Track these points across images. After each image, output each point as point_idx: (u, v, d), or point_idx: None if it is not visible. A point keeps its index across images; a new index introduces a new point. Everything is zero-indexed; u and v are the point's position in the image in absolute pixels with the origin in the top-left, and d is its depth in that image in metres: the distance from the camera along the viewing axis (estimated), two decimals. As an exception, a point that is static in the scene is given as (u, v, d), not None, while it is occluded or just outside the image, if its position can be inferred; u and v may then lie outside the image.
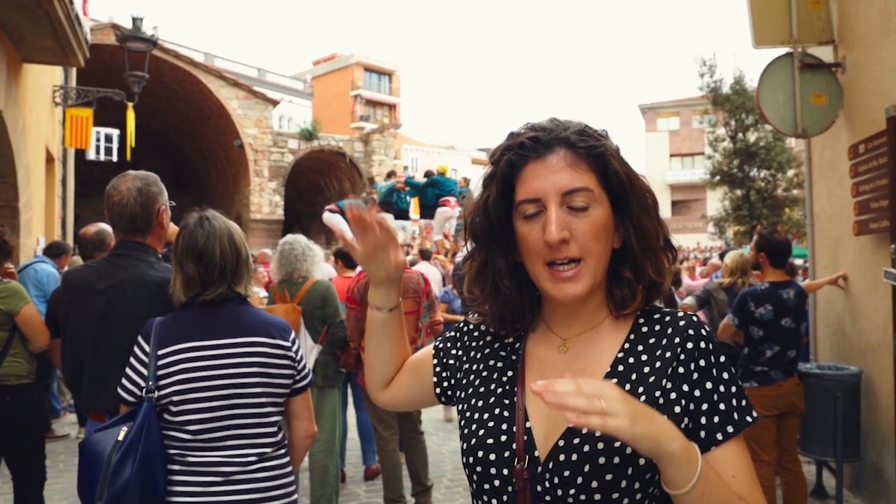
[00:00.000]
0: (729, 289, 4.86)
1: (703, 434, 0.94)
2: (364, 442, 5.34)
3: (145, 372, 1.88)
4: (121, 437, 1.75)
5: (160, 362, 1.87)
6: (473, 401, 1.08)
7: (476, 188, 1.10)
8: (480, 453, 1.00)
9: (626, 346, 1.02)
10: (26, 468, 3.64)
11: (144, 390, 1.84)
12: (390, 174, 14.07)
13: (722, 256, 6.80)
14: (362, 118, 43.34)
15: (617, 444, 0.91)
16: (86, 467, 1.76)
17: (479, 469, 1.00)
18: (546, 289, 1.00)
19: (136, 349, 1.92)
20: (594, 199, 0.98)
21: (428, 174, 12.85)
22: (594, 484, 0.91)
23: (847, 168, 4.73)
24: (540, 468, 0.95)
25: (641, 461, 0.91)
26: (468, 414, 1.07)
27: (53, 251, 6.27)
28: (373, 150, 19.30)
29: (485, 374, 1.10)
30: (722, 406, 0.95)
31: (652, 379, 0.97)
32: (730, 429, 0.95)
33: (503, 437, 1.00)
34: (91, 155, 13.02)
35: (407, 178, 13.16)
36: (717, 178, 19.63)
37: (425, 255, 8.84)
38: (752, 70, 37.63)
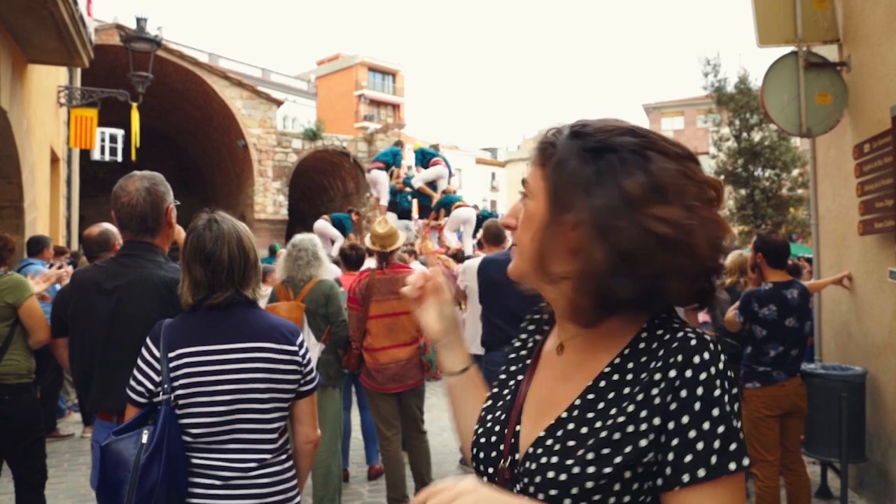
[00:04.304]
0: (731, 289, 4.85)
1: (668, 471, 0.85)
2: (367, 442, 5.35)
3: (153, 374, 1.88)
4: (145, 440, 1.77)
5: (169, 365, 1.88)
6: (486, 402, 1.10)
7: None
8: (475, 450, 1.05)
9: (617, 360, 0.95)
10: (26, 467, 3.65)
11: (161, 392, 1.85)
12: (392, 174, 14.11)
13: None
14: (366, 118, 43.38)
15: (590, 457, 0.87)
16: (111, 471, 1.77)
17: (474, 465, 1.05)
18: None
19: (143, 351, 1.93)
20: (531, 190, 0.98)
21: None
22: (574, 491, 0.87)
23: (852, 167, 4.71)
24: (517, 470, 0.97)
25: (627, 474, 0.86)
26: (480, 414, 1.10)
27: (34, 248, 6.04)
28: (377, 150, 19.27)
29: (503, 377, 1.12)
30: (699, 445, 0.84)
31: (627, 405, 0.89)
32: (700, 472, 0.83)
33: (493, 438, 1.03)
34: (96, 155, 13.08)
35: (406, 178, 13.16)
36: (722, 177, 19.59)
37: (413, 255, 8.88)
38: (756, 69, 37.56)
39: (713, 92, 19.38)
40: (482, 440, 1.04)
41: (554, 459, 0.91)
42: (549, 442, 0.93)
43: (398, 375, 4.31)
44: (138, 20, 9.88)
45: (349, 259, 5.27)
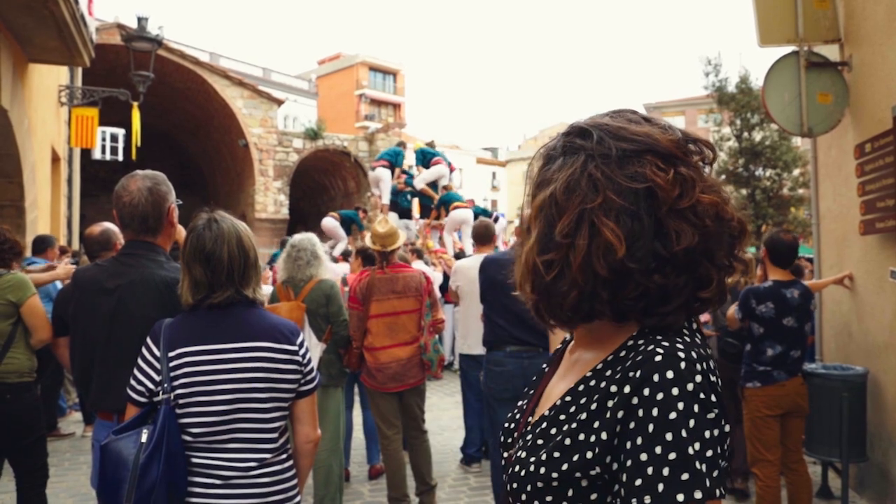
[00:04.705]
0: (732, 288, 4.85)
1: (622, 492, 0.81)
2: (369, 441, 5.35)
3: (153, 374, 1.89)
4: (144, 439, 1.77)
5: (169, 364, 1.88)
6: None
7: None
8: (501, 433, 1.09)
9: (599, 366, 0.92)
10: (28, 466, 3.65)
11: (161, 391, 1.86)
12: (394, 174, 14.12)
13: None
14: (367, 117, 43.39)
15: (544, 458, 0.88)
16: (111, 471, 1.77)
17: (500, 447, 1.09)
18: None
19: (144, 350, 1.93)
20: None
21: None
22: (528, 488, 0.88)
23: (853, 167, 4.71)
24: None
25: (584, 482, 0.85)
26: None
27: (38, 247, 6.04)
28: (377, 149, 19.28)
29: (545, 366, 1.15)
30: (649, 470, 0.78)
31: (584, 412, 0.87)
32: (647, 499, 0.77)
33: (513, 425, 1.07)
34: (97, 154, 13.12)
35: (407, 178, 13.16)
36: (723, 177, 19.60)
37: (418, 254, 8.91)
38: (757, 69, 37.57)
39: (714, 91, 19.39)
40: (506, 425, 1.09)
41: (523, 454, 0.93)
42: (529, 437, 0.95)
43: (399, 374, 4.31)
44: (139, 19, 9.89)
45: (370, 258, 5.25)
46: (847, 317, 5.02)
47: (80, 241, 11.30)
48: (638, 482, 0.78)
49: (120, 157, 13.59)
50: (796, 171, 18.84)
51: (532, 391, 1.10)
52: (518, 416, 1.07)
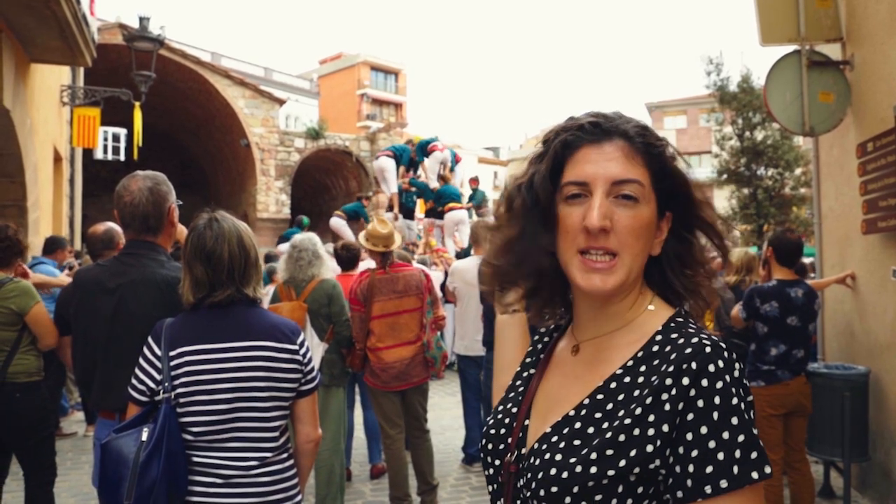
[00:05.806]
0: (735, 287, 4.84)
1: (689, 483, 0.83)
2: (370, 441, 5.36)
3: (154, 373, 1.89)
4: (145, 438, 1.78)
5: (170, 364, 1.88)
6: (504, 394, 1.11)
7: (521, 168, 1.07)
8: (484, 441, 1.05)
9: (630, 363, 0.93)
10: (36, 465, 3.67)
11: (161, 390, 1.86)
12: (399, 173, 14.11)
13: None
14: (369, 117, 43.38)
15: (594, 457, 0.87)
16: (111, 469, 1.78)
17: (482, 456, 1.06)
18: (575, 279, 0.95)
19: (145, 350, 1.94)
20: (643, 194, 0.94)
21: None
22: (575, 489, 0.86)
23: (855, 166, 4.70)
24: (522, 465, 0.96)
25: (632, 477, 0.86)
26: (495, 407, 1.11)
27: (49, 247, 6.12)
28: (379, 149, 19.24)
29: (518, 369, 1.13)
30: (720, 455, 0.82)
31: (635, 407, 0.88)
32: (723, 483, 0.82)
33: (503, 430, 1.03)
34: (98, 154, 13.11)
35: (412, 178, 13.13)
36: (725, 176, 19.62)
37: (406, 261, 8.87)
38: (759, 68, 37.50)
39: (716, 91, 19.39)
40: (492, 431, 1.04)
41: (558, 457, 0.90)
42: (555, 439, 0.93)
43: (403, 374, 4.32)
44: (141, 19, 9.91)
45: (342, 260, 5.22)
46: (849, 316, 5.01)
47: (82, 240, 11.32)
48: (709, 469, 0.83)
49: (121, 157, 13.57)
50: (798, 171, 18.84)
51: (514, 394, 1.08)
52: (507, 420, 1.04)
